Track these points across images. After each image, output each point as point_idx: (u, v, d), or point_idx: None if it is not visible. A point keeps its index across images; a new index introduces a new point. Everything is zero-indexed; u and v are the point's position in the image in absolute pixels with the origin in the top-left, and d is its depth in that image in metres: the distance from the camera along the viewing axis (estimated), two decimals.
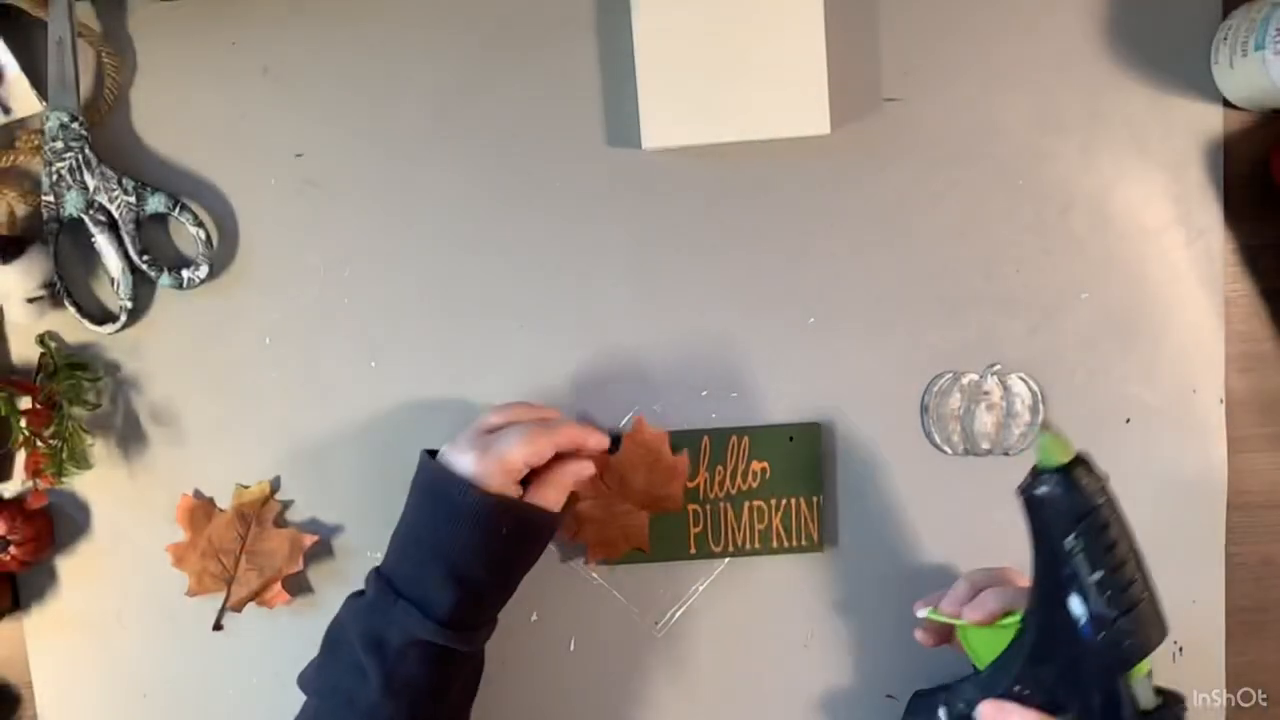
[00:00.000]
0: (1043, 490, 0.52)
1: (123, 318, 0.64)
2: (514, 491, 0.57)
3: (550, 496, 0.59)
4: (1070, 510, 0.52)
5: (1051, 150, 0.64)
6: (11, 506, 0.64)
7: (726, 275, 0.65)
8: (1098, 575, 0.51)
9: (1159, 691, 0.51)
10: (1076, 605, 0.51)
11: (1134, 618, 0.50)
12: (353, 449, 0.66)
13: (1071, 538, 0.52)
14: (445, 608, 0.55)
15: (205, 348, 0.66)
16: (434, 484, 0.58)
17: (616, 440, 0.65)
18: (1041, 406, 0.65)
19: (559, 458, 0.59)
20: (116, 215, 0.63)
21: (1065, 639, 0.51)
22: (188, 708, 0.68)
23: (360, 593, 0.59)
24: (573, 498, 0.64)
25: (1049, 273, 0.65)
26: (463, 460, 0.57)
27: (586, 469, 0.60)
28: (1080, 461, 0.52)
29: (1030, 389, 0.65)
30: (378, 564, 0.59)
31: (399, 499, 0.66)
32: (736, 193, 0.65)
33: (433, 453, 0.60)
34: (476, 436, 0.58)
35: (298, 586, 0.67)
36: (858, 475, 0.66)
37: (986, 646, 0.56)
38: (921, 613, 0.59)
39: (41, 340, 0.65)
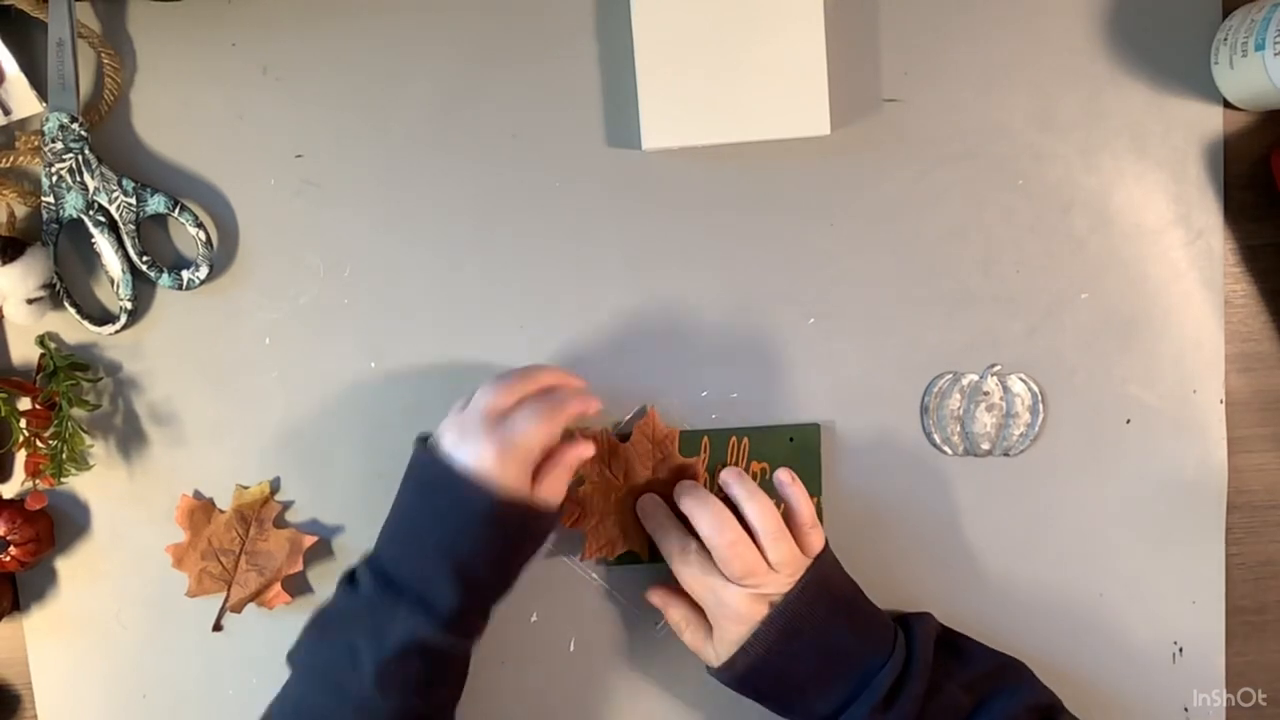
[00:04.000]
0: None
1: (123, 318, 0.64)
2: (527, 483, 0.56)
3: (557, 488, 0.58)
4: None
5: (1051, 150, 0.65)
6: (11, 507, 0.64)
7: (726, 275, 0.65)
8: None
9: None
10: None
11: None
12: (353, 449, 0.66)
13: None
14: (449, 608, 0.54)
15: (205, 348, 0.66)
16: (439, 479, 0.55)
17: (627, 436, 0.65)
18: (1041, 406, 0.65)
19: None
20: (116, 216, 0.63)
21: None
22: (188, 708, 0.68)
23: (351, 577, 0.57)
24: (574, 481, 0.63)
25: (1049, 273, 0.65)
26: (470, 452, 0.54)
27: (587, 450, 0.59)
28: None
29: (1030, 389, 0.65)
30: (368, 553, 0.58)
31: None
32: (736, 193, 0.65)
33: (424, 437, 0.58)
34: (485, 424, 0.55)
35: (298, 587, 0.67)
36: (858, 475, 0.66)
37: None
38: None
39: (41, 341, 0.65)
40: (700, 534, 0.59)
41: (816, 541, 0.60)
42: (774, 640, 0.57)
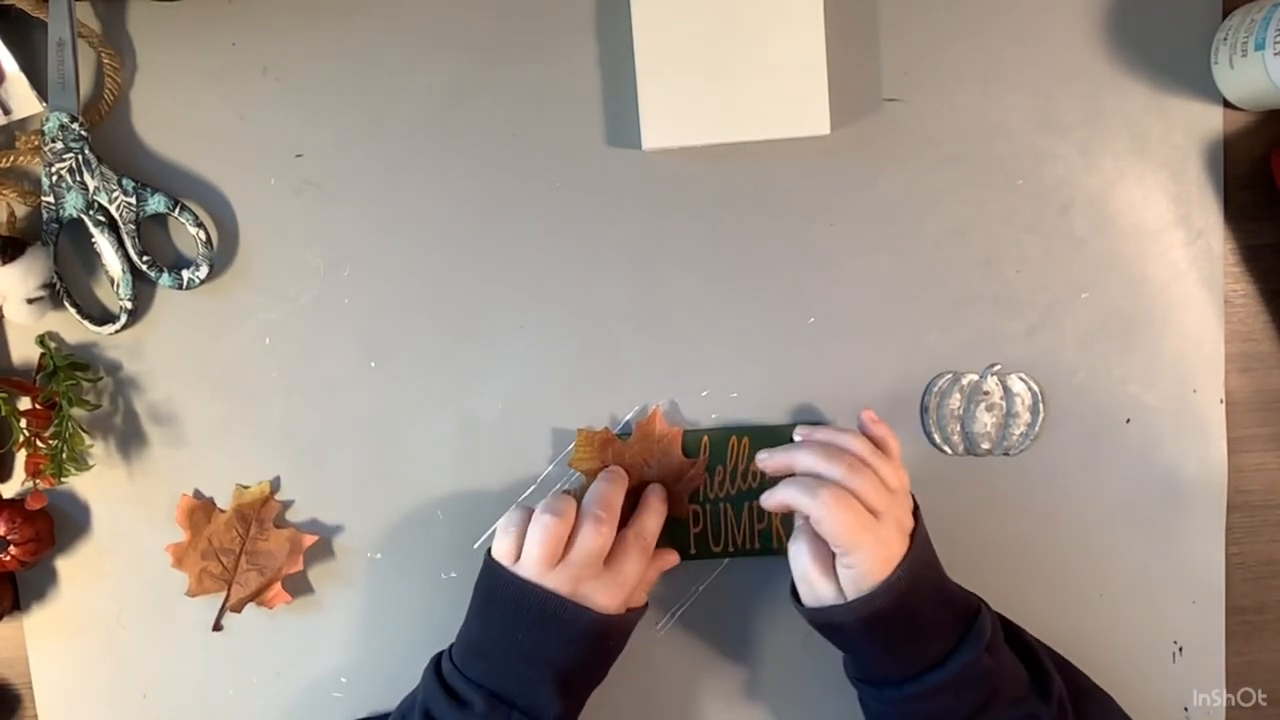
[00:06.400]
0: None
1: (123, 318, 0.64)
2: (623, 604, 0.59)
3: (642, 594, 0.62)
4: None
5: (1051, 150, 0.65)
6: (11, 507, 0.64)
7: (726, 275, 0.65)
8: None
9: None
10: None
11: None
12: (353, 449, 0.66)
13: None
14: (554, 713, 0.57)
15: (205, 348, 0.66)
16: (539, 604, 0.57)
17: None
18: (1041, 406, 0.65)
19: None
20: (116, 215, 0.63)
21: None
22: (188, 708, 0.68)
23: (451, 692, 0.57)
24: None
25: (1049, 273, 0.65)
26: (589, 596, 0.57)
27: (673, 560, 0.64)
28: None
29: (1030, 389, 0.65)
30: (446, 652, 0.59)
31: (399, 499, 0.66)
32: (736, 193, 0.65)
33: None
34: (591, 567, 0.57)
35: (298, 586, 0.67)
36: None
37: None
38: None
39: (41, 341, 0.65)
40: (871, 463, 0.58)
41: (907, 479, 0.60)
42: (911, 577, 0.55)
